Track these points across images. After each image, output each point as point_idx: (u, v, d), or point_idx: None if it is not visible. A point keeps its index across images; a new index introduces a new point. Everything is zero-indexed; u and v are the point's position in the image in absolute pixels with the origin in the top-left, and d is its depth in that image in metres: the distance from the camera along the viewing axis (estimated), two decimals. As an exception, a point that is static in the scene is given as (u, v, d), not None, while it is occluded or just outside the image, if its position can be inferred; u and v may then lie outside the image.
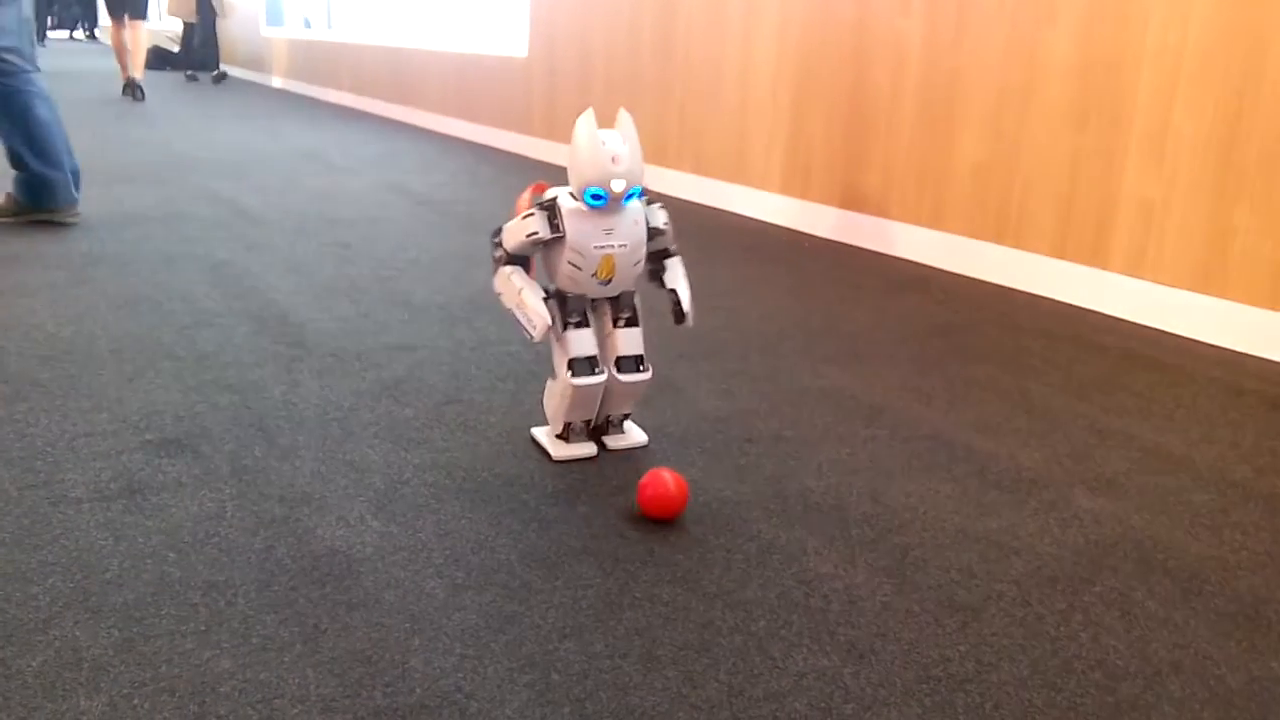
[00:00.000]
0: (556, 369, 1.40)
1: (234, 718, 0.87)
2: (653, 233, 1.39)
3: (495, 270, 1.40)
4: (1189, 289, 2.21)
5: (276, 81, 9.31)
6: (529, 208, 1.36)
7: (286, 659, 0.95)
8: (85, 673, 0.92)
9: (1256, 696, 0.97)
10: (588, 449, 1.43)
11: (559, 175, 4.31)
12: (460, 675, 0.94)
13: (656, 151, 4.05)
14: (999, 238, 2.63)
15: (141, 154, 4.42)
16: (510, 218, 1.38)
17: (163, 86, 8.67)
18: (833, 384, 1.80)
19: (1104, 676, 0.99)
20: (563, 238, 1.33)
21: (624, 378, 1.40)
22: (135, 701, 0.89)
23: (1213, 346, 2.15)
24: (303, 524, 1.21)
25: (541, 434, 1.48)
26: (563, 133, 4.73)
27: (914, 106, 2.85)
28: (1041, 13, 2.48)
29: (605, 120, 1.33)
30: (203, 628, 1.00)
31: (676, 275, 1.44)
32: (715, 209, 3.65)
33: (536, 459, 1.42)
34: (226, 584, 1.08)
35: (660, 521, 1.26)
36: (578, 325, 1.38)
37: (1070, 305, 2.44)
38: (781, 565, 1.17)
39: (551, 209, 1.33)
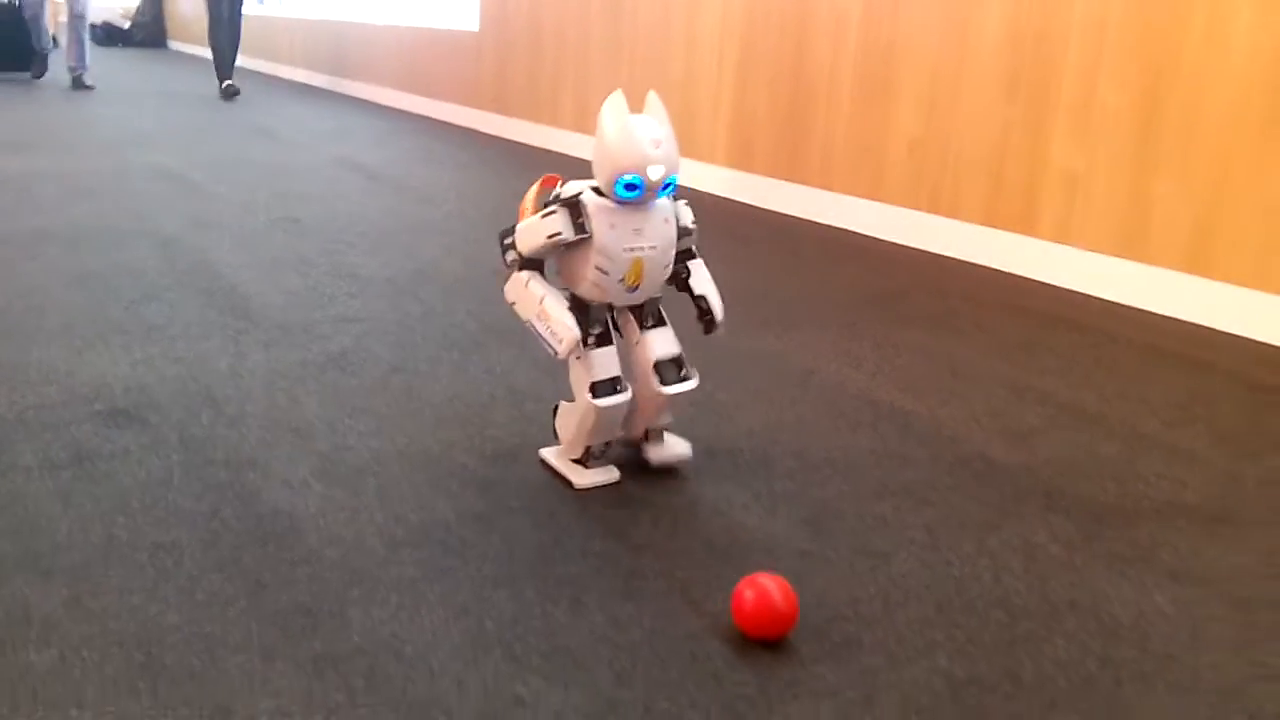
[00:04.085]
0: (575, 390, 1.27)
1: (179, 666, 0.92)
2: (680, 232, 1.26)
3: (508, 276, 1.27)
4: (1112, 254, 2.30)
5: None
6: (537, 205, 1.23)
7: (231, 612, 1.00)
8: (35, 629, 0.96)
9: (1140, 628, 1.05)
10: (611, 474, 1.30)
11: (511, 150, 4.34)
12: (397, 623, 0.99)
13: (607, 125, 4.09)
14: (934, 207, 2.70)
15: (90, 131, 4.39)
16: (519, 217, 1.26)
17: (110, 63, 8.56)
18: (767, 349, 1.86)
19: (1004, 614, 1.06)
20: (588, 239, 1.19)
21: (668, 389, 1.27)
22: (84, 654, 0.93)
23: (1134, 309, 2.24)
24: (248, 488, 1.25)
25: (553, 457, 1.34)
26: (514, 107, 4.75)
27: (852, 80, 2.91)
28: (974, -13, 2.54)
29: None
30: (150, 585, 1.04)
31: (703, 279, 1.31)
32: (664, 182, 3.70)
33: (478, 424, 1.47)
34: (173, 545, 1.12)
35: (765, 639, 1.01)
36: (600, 340, 1.25)
37: (1001, 272, 2.52)
38: (708, 519, 1.23)
39: (575, 206, 1.19)
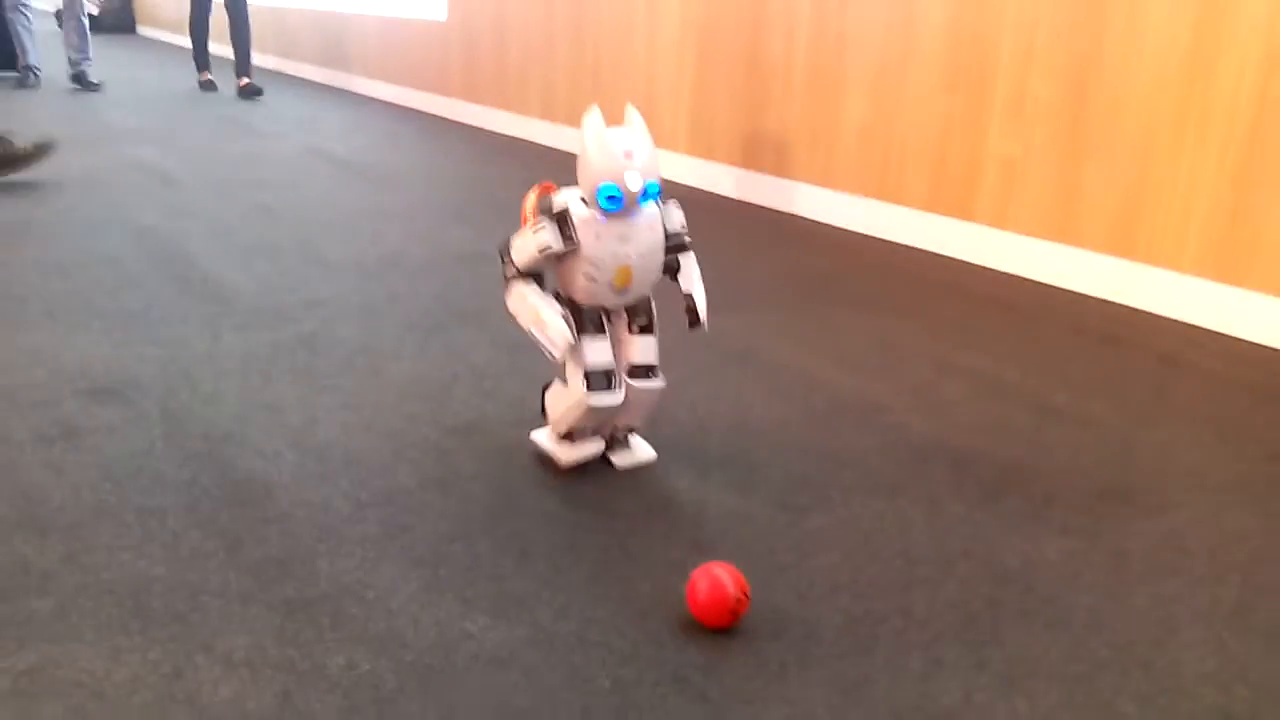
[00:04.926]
0: (569, 377, 1.33)
1: (165, 610, 1.03)
2: (669, 236, 1.32)
3: (508, 289, 1.32)
4: (1044, 238, 2.43)
5: (198, 43, 9.22)
6: (535, 210, 1.29)
7: (211, 565, 1.12)
8: (35, 580, 1.08)
9: (1026, 574, 1.18)
10: (595, 446, 1.38)
11: (479, 137, 4.44)
12: (361, 572, 1.11)
13: (572, 115, 4.20)
14: (881, 194, 2.83)
15: (66, 123, 4.45)
16: (521, 224, 1.32)
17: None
18: (714, 329, 1.99)
19: (904, 561, 1.19)
20: (576, 249, 1.26)
21: (636, 384, 1.34)
22: (80, 601, 1.04)
23: (1062, 290, 2.38)
24: (225, 457, 1.37)
25: (543, 438, 1.41)
26: (482, 95, 4.84)
27: (806, 71, 3.03)
28: (916, -17, 2.67)
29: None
30: (137, 543, 1.15)
31: (692, 277, 1.36)
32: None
33: (439, 399, 1.59)
34: (157, 508, 1.23)
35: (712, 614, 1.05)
36: (594, 333, 1.32)
37: (942, 256, 2.66)
38: (647, 482, 1.35)
39: (563, 219, 1.26)
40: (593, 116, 1.24)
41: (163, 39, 10.27)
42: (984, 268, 2.55)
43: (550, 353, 1.27)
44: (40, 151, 3.04)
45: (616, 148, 1.21)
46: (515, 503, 1.28)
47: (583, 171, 1.24)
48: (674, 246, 1.34)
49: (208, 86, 5.94)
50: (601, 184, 1.21)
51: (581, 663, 0.98)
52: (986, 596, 1.13)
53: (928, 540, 1.24)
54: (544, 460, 1.40)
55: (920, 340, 1.98)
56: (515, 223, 1.33)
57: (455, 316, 1.99)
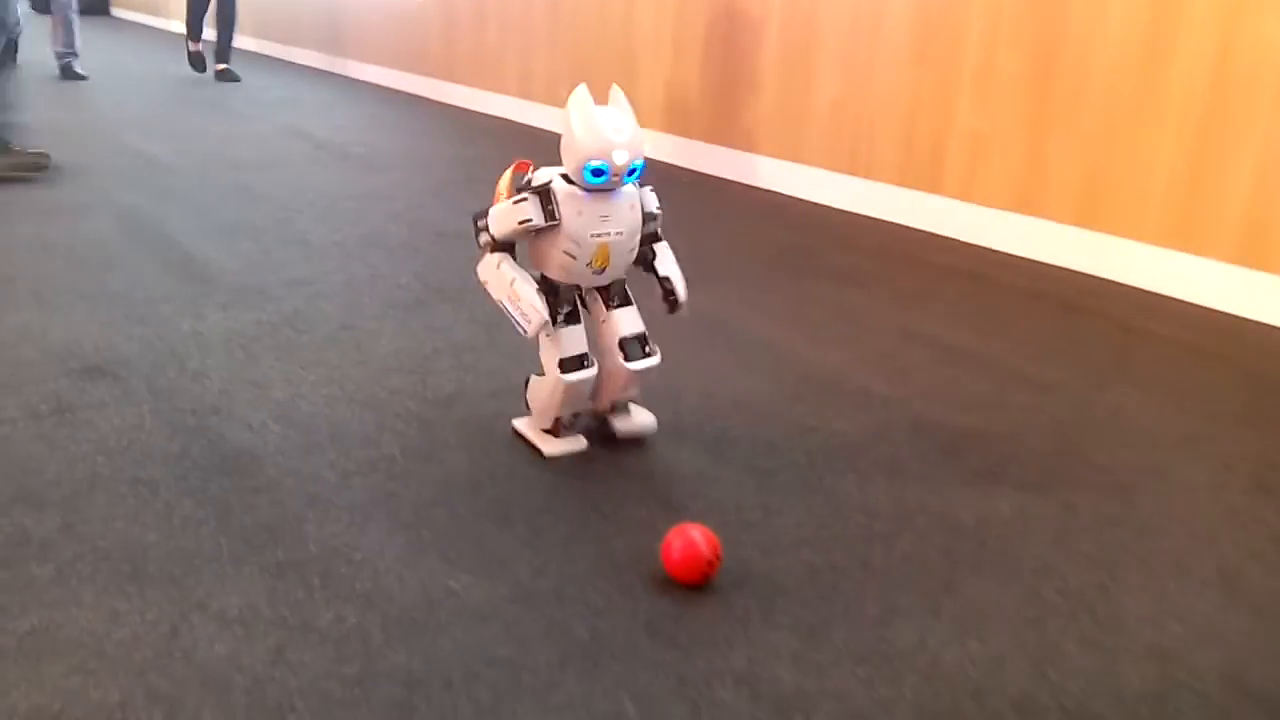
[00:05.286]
0: (545, 365, 1.35)
1: (161, 573, 1.08)
2: (645, 217, 1.34)
3: (480, 256, 1.35)
4: (1010, 210, 2.50)
5: (176, 26, 9.17)
6: (511, 189, 1.30)
7: (203, 531, 1.17)
8: (34, 549, 1.12)
9: (979, 528, 1.24)
10: (578, 443, 1.39)
11: (457, 116, 4.46)
12: (348, 536, 1.17)
13: (550, 93, 4.23)
14: (851, 169, 2.89)
15: (49, 107, 4.45)
16: (494, 200, 1.33)
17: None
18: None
19: (864, 516, 1.25)
20: (557, 225, 1.27)
21: (632, 365, 1.35)
22: (78, 567, 1.09)
23: (1027, 260, 2.44)
24: (213, 431, 1.42)
25: (525, 427, 1.43)
26: (460, 74, 4.87)
27: (779, 48, 3.08)
28: (884, -40, 2.71)
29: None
30: (131, 512, 1.20)
31: (668, 261, 1.40)
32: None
33: (420, 374, 1.64)
34: (149, 479, 1.28)
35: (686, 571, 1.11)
36: (568, 319, 1.34)
37: (910, 228, 2.72)
38: (622, 447, 1.41)
39: (546, 194, 1.27)
40: (580, 95, 1.25)
41: (138, 20, 10.19)
42: (951, 239, 2.62)
43: (522, 328, 1.30)
44: (36, 160, 3.05)
45: (604, 125, 1.23)
46: (495, 470, 1.34)
47: (568, 148, 1.25)
48: (649, 235, 1.36)
49: (196, 59, 5.89)
50: (590, 160, 1.22)
51: (559, 615, 1.04)
52: (942, 549, 1.19)
53: (887, 499, 1.30)
54: (527, 446, 1.42)
55: (886, 311, 2.04)
56: (491, 201, 1.38)
57: (435, 294, 2.04)
